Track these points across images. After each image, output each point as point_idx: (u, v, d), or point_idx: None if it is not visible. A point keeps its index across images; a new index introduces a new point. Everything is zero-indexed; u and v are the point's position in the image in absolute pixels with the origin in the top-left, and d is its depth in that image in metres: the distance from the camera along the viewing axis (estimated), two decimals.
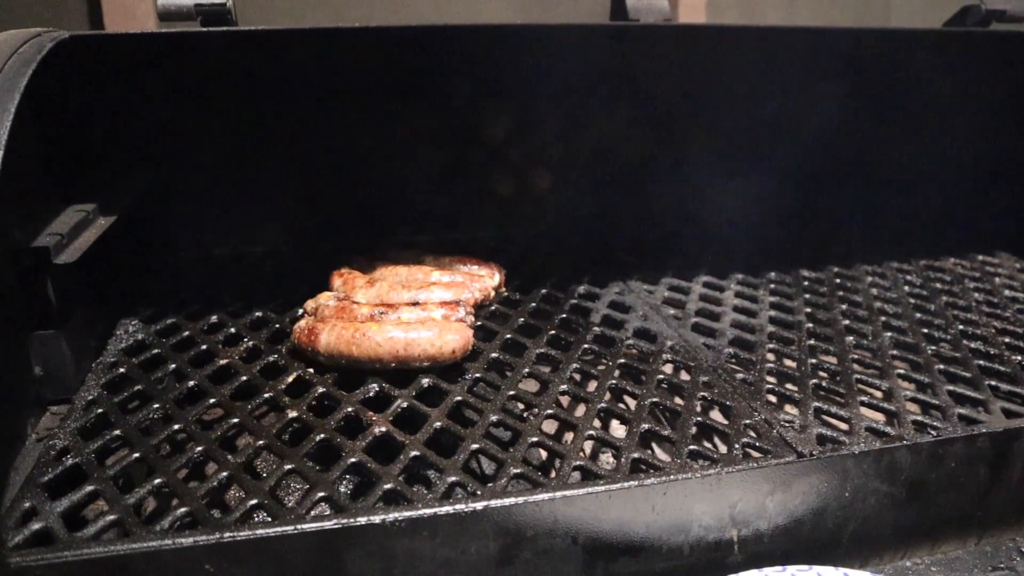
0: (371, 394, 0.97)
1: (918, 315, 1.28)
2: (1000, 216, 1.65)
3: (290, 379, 1.01)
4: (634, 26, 1.34)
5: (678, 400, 0.98)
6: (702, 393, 0.99)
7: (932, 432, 0.90)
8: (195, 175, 1.43)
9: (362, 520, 0.72)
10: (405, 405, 0.94)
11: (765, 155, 1.64)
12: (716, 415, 0.97)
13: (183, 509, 0.74)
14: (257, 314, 1.20)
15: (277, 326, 1.17)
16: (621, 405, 0.99)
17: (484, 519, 0.75)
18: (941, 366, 1.09)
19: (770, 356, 1.12)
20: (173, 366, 1.04)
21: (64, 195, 1.10)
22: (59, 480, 0.79)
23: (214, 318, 1.19)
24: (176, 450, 0.87)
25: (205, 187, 1.45)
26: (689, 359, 1.10)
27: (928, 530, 0.92)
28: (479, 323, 1.17)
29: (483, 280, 1.26)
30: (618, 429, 0.98)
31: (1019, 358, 1.13)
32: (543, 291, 1.32)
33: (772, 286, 1.39)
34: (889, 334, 1.20)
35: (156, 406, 0.93)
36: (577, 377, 1.05)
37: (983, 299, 1.36)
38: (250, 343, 1.11)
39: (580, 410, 0.98)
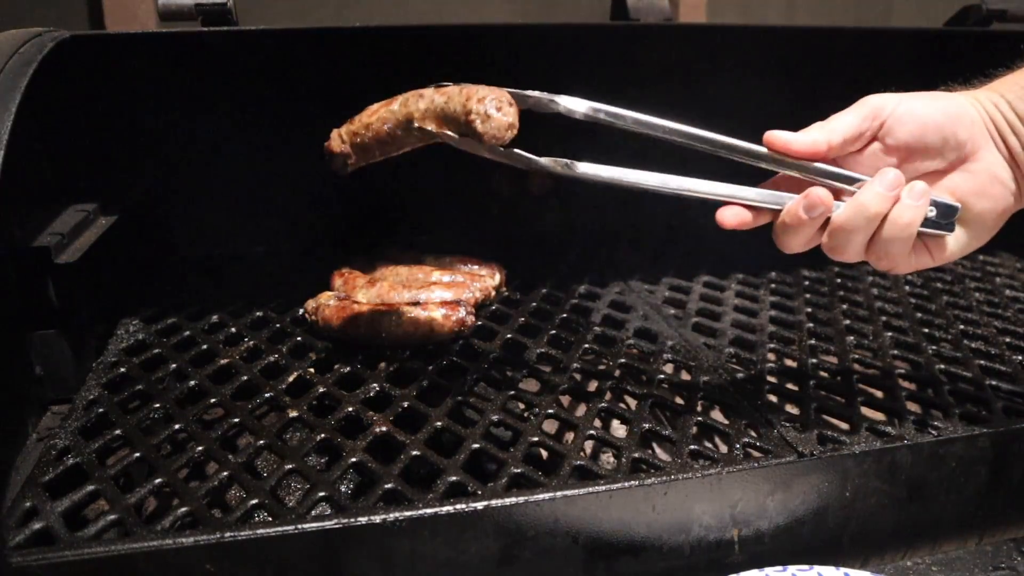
0: (371, 394, 0.97)
1: (919, 315, 1.28)
2: None
3: (291, 379, 1.01)
4: (634, 26, 1.35)
5: (679, 400, 0.98)
6: (702, 393, 0.99)
7: (933, 432, 0.90)
8: (195, 175, 1.43)
9: (362, 520, 0.72)
10: (405, 405, 0.94)
11: None
12: (717, 415, 0.97)
13: (184, 509, 0.74)
14: (257, 314, 1.20)
15: (277, 326, 1.17)
16: (621, 405, 0.99)
17: (484, 519, 0.75)
18: (942, 366, 1.09)
19: (771, 356, 1.12)
20: (174, 366, 1.04)
21: (64, 195, 1.10)
22: (60, 480, 0.79)
23: (215, 318, 1.19)
24: (177, 450, 0.88)
25: (205, 187, 1.45)
26: (690, 359, 1.10)
27: (929, 530, 0.92)
28: (480, 323, 1.17)
29: (484, 280, 1.26)
30: (619, 429, 0.98)
31: (1020, 358, 1.13)
32: (543, 291, 1.32)
33: (772, 286, 1.39)
34: (890, 334, 1.20)
35: (157, 406, 0.93)
36: (578, 377, 1.05)
37: (984, 299, 1.36)
38: (251, 343, 1.11)
39: (581, 410, 0.98)
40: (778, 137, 0.81)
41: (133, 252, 1.25)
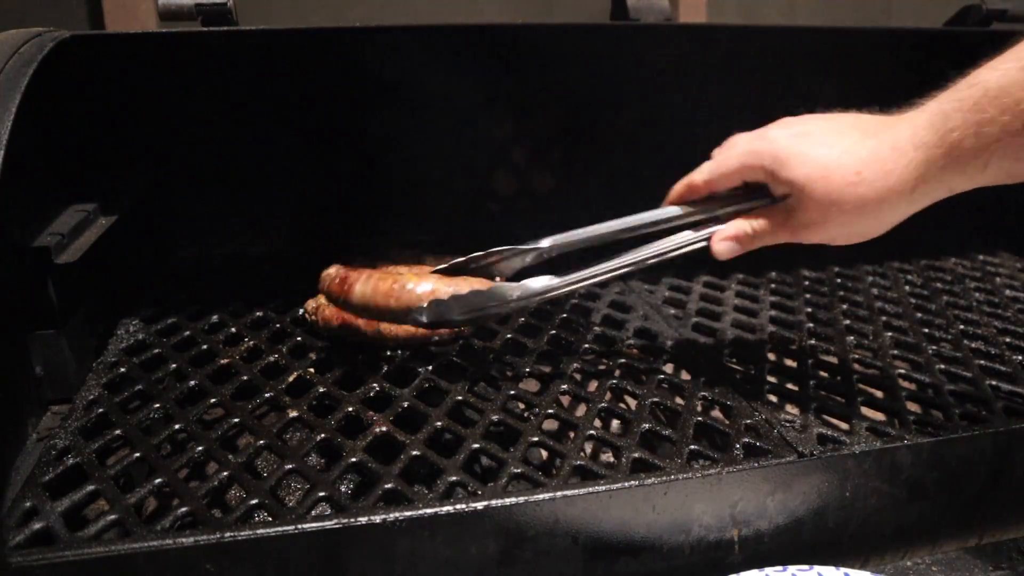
0: (371, 394, 0.97)
1: (919, 315, 1.28)
2: (1001, 215, 1.65)
3: (291, 379, 1.01)
4: (634, 26, 1.35)
5: (678, 400, 0.98)
6: (702, 393, 0.99)
7: (933, 432, 0.90)
8: (195, 175, 1.43)
9: (362, 520, 0.72)
10: (405, 405, 0.94)
11: None
12: (717, 415, 0.97)
13: (184, 509, 0.74)
14: (257, 314, 1.20)
15: (277, 326, 1.17)
16: (621, 405, 0.99)
17: (484, 519, 0.75)
18: (942, 366, 1.09)
19: (770, 356, 1.12)
20: (174, 366, 1.04)
21: (64, 195, 1.10)
22: (60, 480, 0.79)
23: (214, 318, 1.19)
24: (177, 450, 0.88)
25: (205, 187, 1.45)
26: (690, 359, 1.10)
27: (929, 530, 0.92)
28: None
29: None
30: (619, 429, 0.98)
31: (1020, 358, 1.13)
32: None
33: (772, 286, 1.39)
34: (890, 334, 1.20)
35: (157, 406, 0.93)
36: (578, 377, 1.05)
37: (984, 299, 1.36)
38: (250, 343, 1.11)
39: (580, 410, 0.98)
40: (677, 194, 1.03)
41: (133, 252, 1.25)
